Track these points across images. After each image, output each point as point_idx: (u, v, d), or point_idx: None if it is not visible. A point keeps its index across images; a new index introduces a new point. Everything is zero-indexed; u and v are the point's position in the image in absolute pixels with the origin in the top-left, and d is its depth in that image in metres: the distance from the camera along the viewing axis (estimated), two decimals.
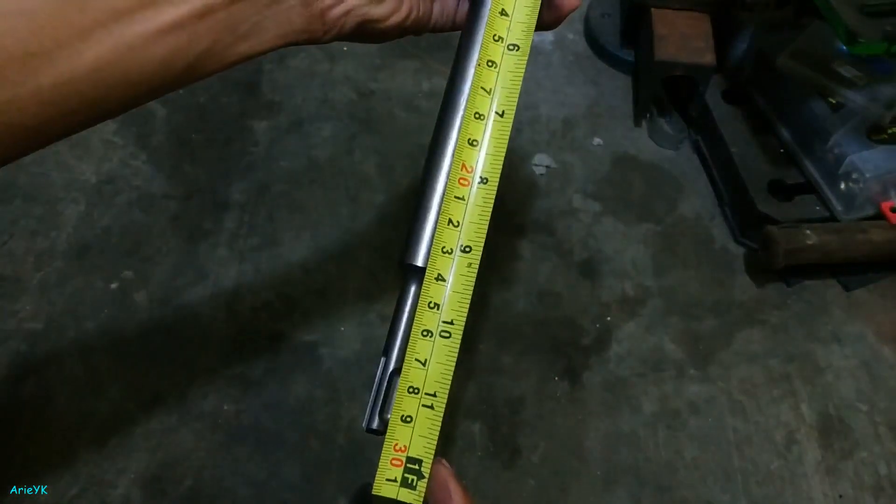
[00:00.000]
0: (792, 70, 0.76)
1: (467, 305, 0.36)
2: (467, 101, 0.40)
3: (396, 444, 0.34)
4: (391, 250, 0.73)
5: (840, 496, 0.62)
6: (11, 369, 0.63)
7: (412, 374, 0.35)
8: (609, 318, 0.71)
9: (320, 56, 0.91)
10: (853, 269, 0.75)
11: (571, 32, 0.97)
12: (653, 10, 0.85)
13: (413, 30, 0.43)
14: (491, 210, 0.38)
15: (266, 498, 0.58)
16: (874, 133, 0.73)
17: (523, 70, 0.40)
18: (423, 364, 0.35)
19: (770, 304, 0.73)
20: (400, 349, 0.39)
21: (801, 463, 0.63)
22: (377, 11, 0.39)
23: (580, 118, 0.88)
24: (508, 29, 0.40)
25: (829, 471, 0.63)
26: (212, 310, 0.68)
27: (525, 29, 0.40)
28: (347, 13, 0.38)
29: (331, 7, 0.37)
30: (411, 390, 0.35)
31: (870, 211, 0.73)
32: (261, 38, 0.37)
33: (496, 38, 0.40)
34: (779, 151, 0.79)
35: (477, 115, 0.39)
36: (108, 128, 0.82)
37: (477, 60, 0.40)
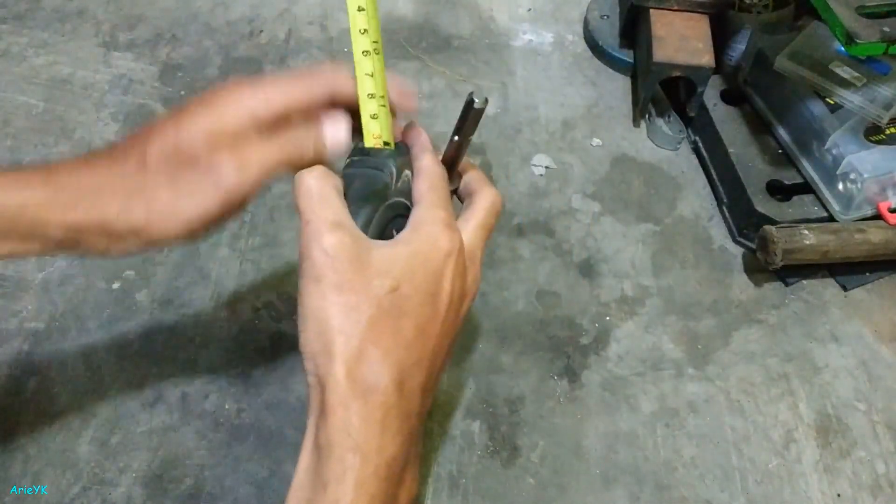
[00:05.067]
0: (790, 71, 0.76)
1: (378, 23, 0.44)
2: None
3: (373, 134, 0.45)
4: None
5: (838, 495, 0.62)
6: (13, 369, 0.64)
7: (366, 84, 0.44)
8: (608, 318, 0.71)
9: (322, 56, 0.91)
10: (851, 269, 0.75)
11: (570, 34, 0.98)
12: (651, 11, 0.85)
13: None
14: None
15: (267, 496, 0.59)
16: (872, 134, 0.73)
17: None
18: (371, 75, 0.44)
19: (768, 303, 0.74)
20: None
21: (799, 462, 0.63)
22: None
23: (579, 119, 0.88)
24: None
25: (827, 470, 0.63)
26: (213, 309, 0.69)
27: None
28: None
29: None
30: (370, 96, 0.44)
31: (868, 211, 0.74)
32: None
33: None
34: (777, 152, 0.80)
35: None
36: (110, 128, 0.82)
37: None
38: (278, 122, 0.42)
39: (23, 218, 0.40)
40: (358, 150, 0.45)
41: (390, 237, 0.43)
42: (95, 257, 0.44)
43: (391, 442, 0.38)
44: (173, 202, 0.41)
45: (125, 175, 0.41)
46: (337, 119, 0.44)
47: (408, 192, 0.45)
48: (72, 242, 0.41)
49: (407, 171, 0.45)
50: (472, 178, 0.49)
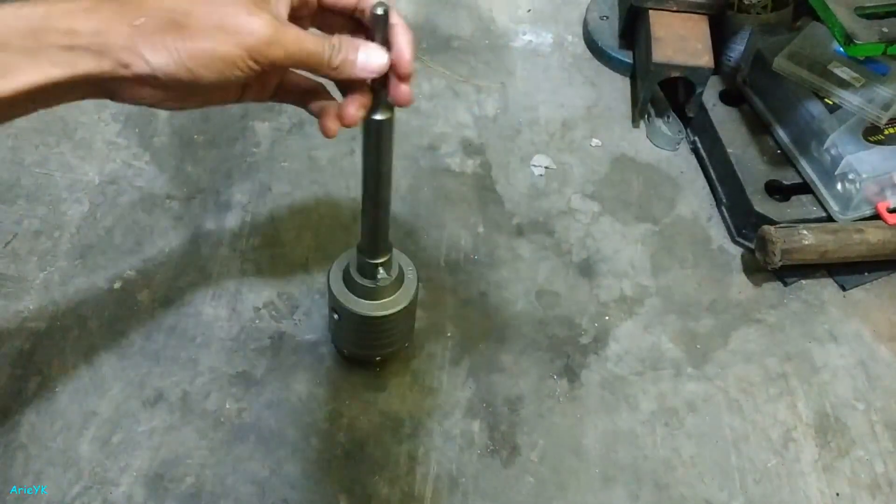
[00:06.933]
0: (789, 71, 0.76)
1: None
2: None
3: None
4: None
5: (837, 494, 0.62)
6: (15, 368, 0.64)
7: None
8: (607, 318, 0.72)
9: None
10: (850, 269, 0.75)
11: (570, 34, 0.98)
12: (650, 12, 0.85)
13: None
14: None
15: (267, 495, 0.59)
16: (871, 134, 0.73)
17: None
18: None
19: (767, 303, 0.74)
20: None
21: (797, 461, 0.64)
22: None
23: (579, 119, 0.88)
24: None
25: (825, 469, 0.63)
26: (214, 309, 0.69)
27: None
28: None
29: None
30: None
31: (866, 211, 0.74)
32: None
33: None
34: (776, 152, 0.80)
35: None
36: (111, 129, 0.82)
37: None
38: (324, 18, 0.43)
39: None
40: None
41: None
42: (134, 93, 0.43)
43: None
44: (207, 17, 0.39)
45: None
46: (376, 47, 0.42)
47: None
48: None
49: None
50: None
